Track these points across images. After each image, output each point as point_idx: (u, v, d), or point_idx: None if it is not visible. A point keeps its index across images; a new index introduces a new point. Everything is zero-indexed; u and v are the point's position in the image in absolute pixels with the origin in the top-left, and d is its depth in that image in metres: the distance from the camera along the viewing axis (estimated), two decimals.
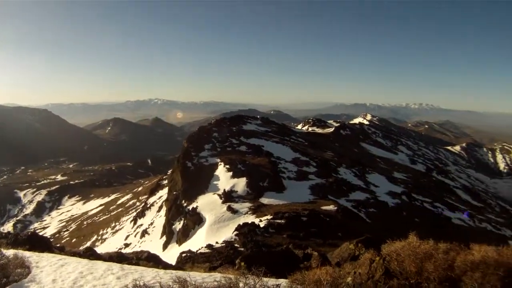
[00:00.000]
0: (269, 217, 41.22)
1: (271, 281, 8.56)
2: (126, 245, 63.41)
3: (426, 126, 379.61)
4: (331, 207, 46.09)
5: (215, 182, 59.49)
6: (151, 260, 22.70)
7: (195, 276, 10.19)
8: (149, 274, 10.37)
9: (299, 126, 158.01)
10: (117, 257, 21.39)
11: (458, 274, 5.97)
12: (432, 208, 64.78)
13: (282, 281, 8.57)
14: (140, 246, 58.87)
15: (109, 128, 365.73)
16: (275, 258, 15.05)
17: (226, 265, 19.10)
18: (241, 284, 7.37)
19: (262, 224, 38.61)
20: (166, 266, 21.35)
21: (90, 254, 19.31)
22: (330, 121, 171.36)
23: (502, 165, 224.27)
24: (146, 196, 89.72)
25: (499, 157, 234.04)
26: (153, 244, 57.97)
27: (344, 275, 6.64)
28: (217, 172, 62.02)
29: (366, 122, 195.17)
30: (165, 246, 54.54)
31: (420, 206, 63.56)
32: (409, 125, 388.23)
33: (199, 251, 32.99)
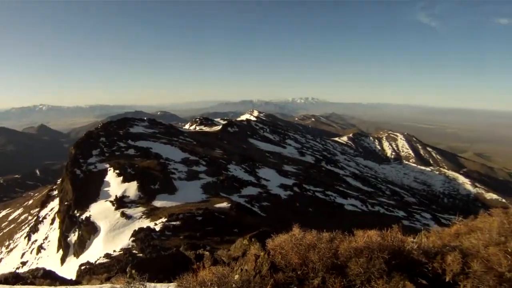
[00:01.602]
0: (164, 219, 41.13)
1: (159, 286, 8.44)
2: (23, 264, 59.15)
3: (313, 119, 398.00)
4: (224, 204, 46.60)
5: (106, 189, 57.45)
6: (48, 277, 22.00)
7: None
8: None
9: (187, 126, 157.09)
10: (12, 278, 20.36)
11: (343, 261, 6.05)
12: (324, 197, 67.95)
13: (171, 285, 8.44)
14: (37, 263, 55.07)
15: None
16: (166, 262, 14.67)
17: (119, 274, 18.52)
18: None
19: (158, 228, 38.64)
20: (62, 282, 20.74)
21: None
22: (217, 119, 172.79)
23: (389, 152, 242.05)
24: (37, 209, 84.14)
25: (386, 144, 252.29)
26: (50, 259, 54.57)
27: (228, 274, 6.45)
28: (107, 178, 59.91)
29: (253, 118, 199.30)
30: (62, 260, 51.43)
31: (313, 196, 66.32)
32: (296, 119, 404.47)
33: (98, 262, 32.16)
